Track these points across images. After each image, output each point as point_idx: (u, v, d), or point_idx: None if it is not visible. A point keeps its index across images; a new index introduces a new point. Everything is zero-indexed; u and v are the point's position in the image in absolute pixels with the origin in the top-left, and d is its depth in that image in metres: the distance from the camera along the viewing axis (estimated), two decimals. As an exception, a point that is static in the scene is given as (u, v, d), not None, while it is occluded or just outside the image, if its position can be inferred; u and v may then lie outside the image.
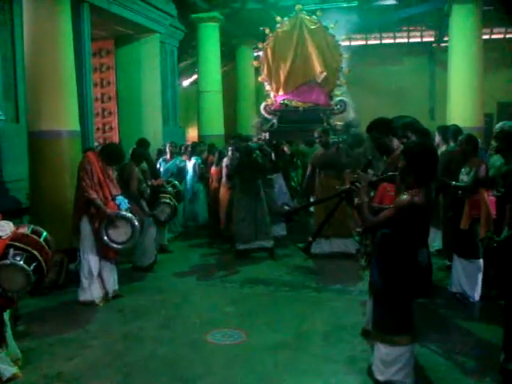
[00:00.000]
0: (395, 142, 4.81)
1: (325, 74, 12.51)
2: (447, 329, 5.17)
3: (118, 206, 6.06)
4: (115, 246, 6.00)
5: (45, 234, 4.49)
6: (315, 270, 7.46)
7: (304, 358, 4.55)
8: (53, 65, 7.36)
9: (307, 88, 13.03)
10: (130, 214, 6.04)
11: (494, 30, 19.14)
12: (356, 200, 3.95)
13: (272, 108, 13.23)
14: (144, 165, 7.97)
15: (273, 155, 9.42)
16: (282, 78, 13.17)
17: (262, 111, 13.37)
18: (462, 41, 13.53)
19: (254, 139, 10.64)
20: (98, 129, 12.68)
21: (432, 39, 20.46)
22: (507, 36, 19.67)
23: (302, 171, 11.30)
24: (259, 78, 13.93)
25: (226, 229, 8.95)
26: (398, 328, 3.78)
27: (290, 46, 13.06)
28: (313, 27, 13.04)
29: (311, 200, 8.48)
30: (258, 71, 19.35)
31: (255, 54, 20.17)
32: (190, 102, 18.39)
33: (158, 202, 7.43)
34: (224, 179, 8.94)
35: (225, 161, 9.02)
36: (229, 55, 19.35)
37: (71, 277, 6.64)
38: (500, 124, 6.83)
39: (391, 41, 20.95)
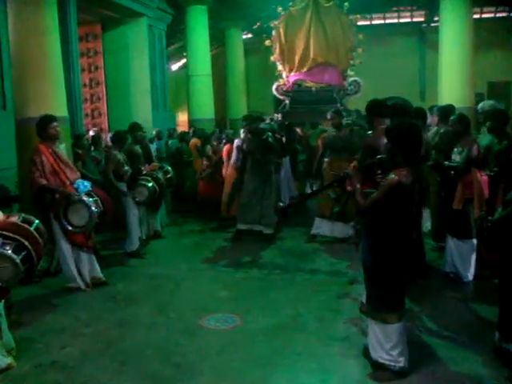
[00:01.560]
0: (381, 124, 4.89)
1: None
2: (441, 308, 5.16)
3: (76, 189, 5.96)
4: (76, 230, 5.86)
5: (36, 222, 4.44)
6: (309, 252, 7.43)
7: (299, 341, 4.54)
8: (39, 50, 7.25)
9: (320, 68, 12.77)
10: (83, 196, 5.86)
11: (484, 9, 19.10)
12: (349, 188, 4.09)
13: (284, 89, 13.01)
14: (137, 148, 7.93)
15: (283, 139, 9.27)
16: (296, 57, 12.91)
17: (275, 92, 13.16)
18: (453, 20, 13.47)
19: (267, 120, 10.49)
20: (87, 115, 12.58)
21: (422, 19, 20.38)
22: (497, 15, 19.62)
23: (307, 153, 11.25)
24: (271, 58, 13.63)
25: (226, 210, 8.91)
26: (386, 306, 3.81)
27: (304, 25, 12.76)
28: (326, 5, 12.74)
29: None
30: (247, 54, 19.26)
31: (244, 36, 20.06)
32: (180, 85, 18.23)
33: (137, 184, 7.39)
34: (233, 160, 8.79)
35: (236, 141, 8.86)
36: (218, 38, 19.17)
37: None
38: (480, 104, 6.87)
39: (381, 21, 20.83)
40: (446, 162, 5.85)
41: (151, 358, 4.35)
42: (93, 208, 5.84)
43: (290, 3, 12.92)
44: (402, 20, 20.73)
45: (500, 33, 19.01)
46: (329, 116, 7.99)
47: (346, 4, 12.57)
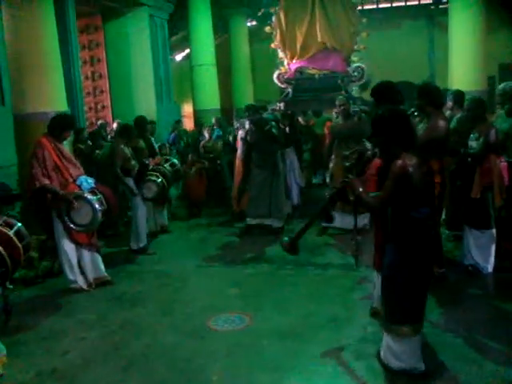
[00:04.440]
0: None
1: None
2: (460, 304, 4.93)
3: (79, 186, 5.76)
4: (79, 228, 5.66)
5: (18, 225, 4.30)
6: (320, 246, 7.17)
7: (312, 343, 4.31)
8: (36, 44, 7.10)
9: (323, 54, 12.37)
10: (86, 194, 5.66)
11: (495, -11, 18.61)
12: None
13: (286, 76, 12.68)
14: (142, 143, 7.70)
15: (287, 129, 9.03)
16: (297, 44, 12.56)
17: (276, 80, 12.79)
18: (462, 1, 13.09)
19: (269, 109, 10.24)
20: (90, 108, 12.37)
21: (430, 1, 19.95)
22: (507, -6, 19.12)
23: (312, 142, 10.99)
24: (272, 45, 13.24)
25: (236, 204, 8.69)
26: (403, 318, 3.54)
27: (305, 9, 12.37)
28: None
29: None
30: (252, 41, 18.93)
31: (249, 23, 19.71)
32: (184, 76, 17.94)
33: (145, 180, 7.18)
34: (239, 152, 8.61)
35: (240, 133, 8.67)
36: (221, 27, 18.85)
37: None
38: (502, 85, 6.54)
39: (388, 4, 20.43)
40: (463, 149, 5.57)
41: (157, 363, 4.15)
42: (97, 206, 5.64)
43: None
44: (409, 3, 20.31)
45: (510, 13, 18.52)
46: (338, 103, 7.70)
47: None
